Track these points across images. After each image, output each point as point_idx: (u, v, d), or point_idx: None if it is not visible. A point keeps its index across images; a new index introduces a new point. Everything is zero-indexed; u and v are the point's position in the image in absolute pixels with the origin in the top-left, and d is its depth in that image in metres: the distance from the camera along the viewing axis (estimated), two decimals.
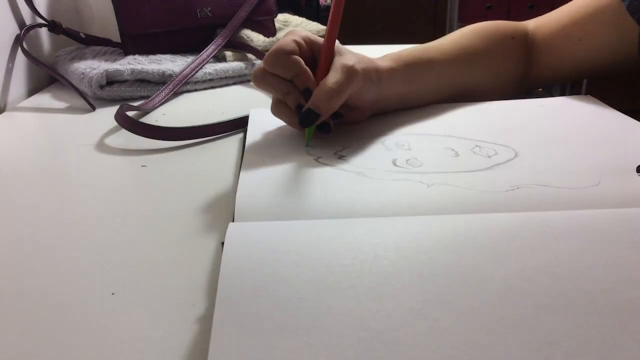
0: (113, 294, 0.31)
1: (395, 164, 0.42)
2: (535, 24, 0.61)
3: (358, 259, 0.28)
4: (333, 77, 0.44)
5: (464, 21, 2.52)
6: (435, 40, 0.58)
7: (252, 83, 0.48)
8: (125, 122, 0.54)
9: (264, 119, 0.53)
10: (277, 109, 0.47)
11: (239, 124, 0.56)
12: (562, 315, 0.25)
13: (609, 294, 0.26)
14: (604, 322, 0.25)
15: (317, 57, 0.47)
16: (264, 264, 0.28)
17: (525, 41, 0.61)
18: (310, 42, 0.47)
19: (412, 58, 0.52)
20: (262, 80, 0.46)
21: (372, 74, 0.47)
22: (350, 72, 0.44)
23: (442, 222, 0.31)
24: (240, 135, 0.55)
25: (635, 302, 0.25)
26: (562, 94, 0.60)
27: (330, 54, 0.46)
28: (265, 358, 0.24)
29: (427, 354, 0.24)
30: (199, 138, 0.54)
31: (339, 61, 0.45)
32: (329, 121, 0.46)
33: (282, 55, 0.44)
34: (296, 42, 0.45)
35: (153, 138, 0.53)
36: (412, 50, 0.54)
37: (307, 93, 0.44)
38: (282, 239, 0.30)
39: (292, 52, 0.45)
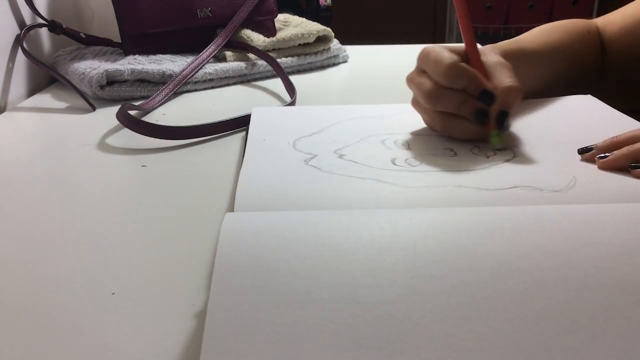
0: (113, 294, 0.31)
1: (394, 163, 0.43)
2: (602, 22, 0.63)
3: (353, 237, 0.29)
4: (506, 74, 0.44)
5: None
6: (522, 35, 0.59)
7: (424, 102, 0.45)
8: (127, 121, 0.54)
9: (265, 117, 0.53)
10: (449, 123, 0.45)
11: (241, 123, 0.56)
12: (553, 291, 0.25)
13: (600, 271, 0.26)
14: (595, 298, 0.25)
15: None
16: (259, 243, 0.28)
17: (599, 37, 0.62)
18: (453, 50, 0.46)
19: (509, 49, 0.53)
20: (438, 98, 0.44)
21: None
22: (510, 66, 0.45)
23: (438, 211, 0.32)
24: (242, 134, 0.55)
25: (625, 279, 0.26)
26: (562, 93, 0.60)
27: (478, 56, 0.46)
28: (259, 332, 0.24)
29: (419, 328, 0.24)
30: (202, 137, 0.54)
31: (493, 60, 0.46)
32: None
33: (459, 66, 0.43)
34: (452, 51, 0.45)
35: (156, 137, 0.53)
36: (506, 42, 0.55)
37: (485, 95, 0.43)
38: (278, 225, 0.30)
39: (461, 61, 0.44)
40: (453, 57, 0.44)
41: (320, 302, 0.25)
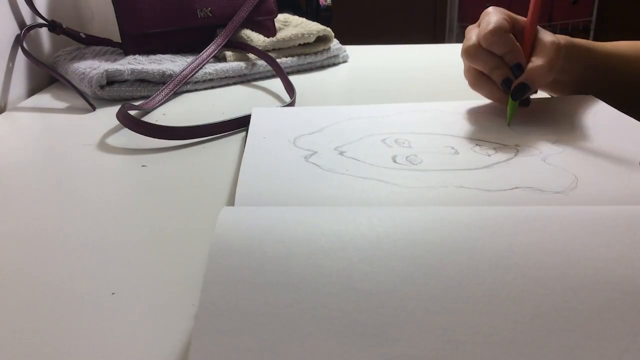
0: (113, 294, 0.31)
1: (395, 161, 0.43)
2: None
3: (352, 225, 0.29)
4: (545, 55, 0.47)
5: (464, 21, 2.52)
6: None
7: (462, 56, 0.50)
8: (127, 121, 0.54)
9: (265, 117, 0.53)
10: (479, 82, 0.50)
11: (241, 123, 0.56)
12: (551, 289, 0.25)
13: (598, 272, 0.26)
14: (592, 298, 0.25)
15: (517, 34, 0.49)
16: (255, 230, 0.28)
17: None
18: (512, 19, 0.50)
19: (578, 41, 0.56)
20: (474, 55, 0.48)
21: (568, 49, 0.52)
22: (558, 49, 0.48)
23: (438, 207, 0.32)
24: (242, 134, 0.55)
25: (625, 281, 0.26)
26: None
27: (533, 32, 0.49)
28: (252, 313, 0.24)
29: (414, 318, 0.24)
30: (202, 137, 0.54)
31: (544, 38, 0.49)
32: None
33: (501, 34, 0.47)
34: (506, 20, 0.49)
35: (156, 137, 0.53)
36: (580, 39, 0.57)
37: (517, 68, 0.47)
38: (274, 214, 0.30)
39: (508, 30, 0.48)
40: (501, 24, 0.47)
41: (315, 287, 0.25)
